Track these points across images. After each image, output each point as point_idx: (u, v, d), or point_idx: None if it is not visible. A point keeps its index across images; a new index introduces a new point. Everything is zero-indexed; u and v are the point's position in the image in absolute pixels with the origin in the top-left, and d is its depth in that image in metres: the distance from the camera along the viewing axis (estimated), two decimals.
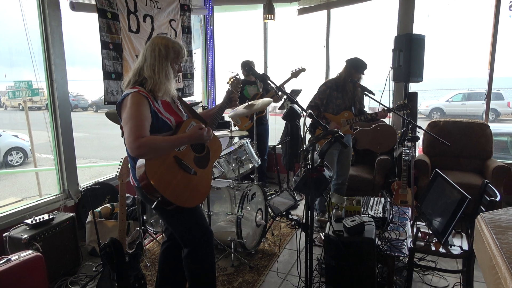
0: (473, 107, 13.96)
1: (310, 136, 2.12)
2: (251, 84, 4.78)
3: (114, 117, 3.03)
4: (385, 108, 3.51)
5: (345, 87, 3.62)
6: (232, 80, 2.52)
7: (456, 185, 2.43)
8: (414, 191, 3.75)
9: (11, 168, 7.39)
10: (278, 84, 4.86)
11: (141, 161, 1.93)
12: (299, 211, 4.29)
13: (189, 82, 5.00)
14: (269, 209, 3.42)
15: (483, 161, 4.21)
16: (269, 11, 4.43)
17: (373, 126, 4.25)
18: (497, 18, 4.33)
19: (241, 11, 5.92)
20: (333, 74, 5.05)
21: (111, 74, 3.74)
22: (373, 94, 3.45)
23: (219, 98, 5.90)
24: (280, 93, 2.36)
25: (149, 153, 1.89)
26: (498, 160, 4.18)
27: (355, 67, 3.57)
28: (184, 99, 5.72)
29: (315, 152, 2.07)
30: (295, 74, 4.60)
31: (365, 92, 3.45)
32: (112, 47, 3.71)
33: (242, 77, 4.66)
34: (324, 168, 2.07)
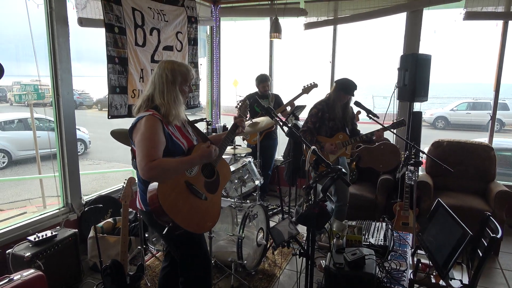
0: (477, 117, 13.89)
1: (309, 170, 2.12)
2: (262, 98, 4.78)
3: (120, 137, 3.05)
4: (383, 126, 3.38)
5: (334, 109, 3.56)
6: (239, 104, 2.53)
7: (458, 219, 2.42)
8: (416, 213, 3.74)
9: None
10: (289, 99, 4.74)
11: (153, 186, 1.92)
12: (300, 228, 4.28)
13: (193, 94, 5.00)
14: (270, 239, 3.40)
15: (486, 183, 4.19)
16: (275, 30, 4.41)
17: (376, 144, 4.23)
18: (504, 40, 4.31)
19: (248, 20, 5.92)
20: None
21: (116, 88, 3.75)
22: (377, 117, 3.41)
23: (224, 109, 5.90)
24: (282, 119, 2.37)
25: (161, 175, 1.89)
26: (501, 183, 4.18)
27: (344, 89, 3.51)
28: (189, 109, 5.62)
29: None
30: (306, 90, 4.56)
31: (369, 115, 3.41)
32: (118, 61, 3.72)
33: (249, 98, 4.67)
34: (326, 203, 2.07)
